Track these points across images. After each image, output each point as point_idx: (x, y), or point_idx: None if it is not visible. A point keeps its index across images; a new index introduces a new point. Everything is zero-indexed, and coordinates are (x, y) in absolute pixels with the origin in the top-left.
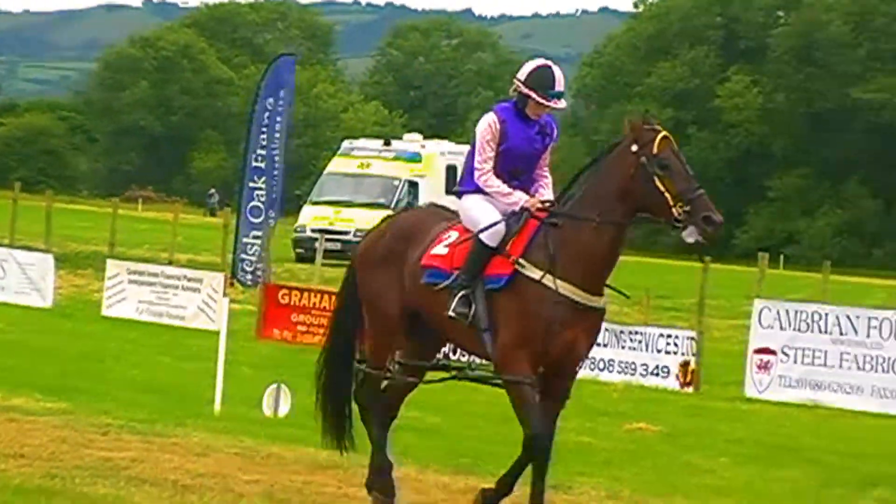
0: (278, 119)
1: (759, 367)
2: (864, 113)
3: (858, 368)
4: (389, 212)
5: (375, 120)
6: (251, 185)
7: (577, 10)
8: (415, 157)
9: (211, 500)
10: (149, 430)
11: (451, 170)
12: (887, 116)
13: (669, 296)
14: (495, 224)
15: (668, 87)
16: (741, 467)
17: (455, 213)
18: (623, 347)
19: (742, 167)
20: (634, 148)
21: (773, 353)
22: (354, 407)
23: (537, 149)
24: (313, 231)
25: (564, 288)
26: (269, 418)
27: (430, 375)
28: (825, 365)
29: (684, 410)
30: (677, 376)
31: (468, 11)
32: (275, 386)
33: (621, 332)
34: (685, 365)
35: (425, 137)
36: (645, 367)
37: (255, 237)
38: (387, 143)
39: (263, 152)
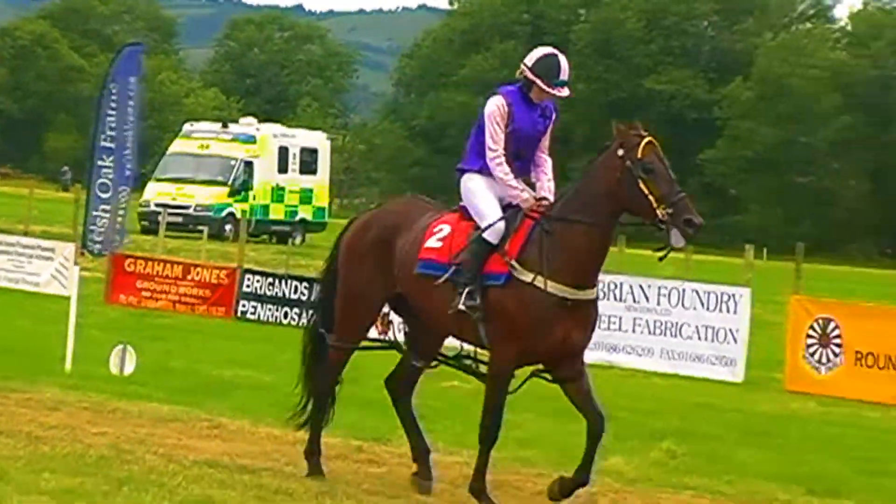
0: (130, 103)
1: None
2: (656, 102)
3: (650, 333)
4: (226, 188)
5: (214, 105)
6: (100, 163)
7: (398, 7)
8: (250, 139)
9: (62, 450)
10: (4, 387)
11: (282, 150)
12: (677, 105)
13: None
14: (496, 222)
15: (480, 77)
16: (544, 421)
17: (434, 203)
18: None
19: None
20: (621, 152)
21: None
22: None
23: (539, 131)
24: (157, 205)
25: (554, 287)
26: (116, 376)
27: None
28: (620, 329)
29: None
30: None
31: (299, 7)
32: (121, 347)
33: None
34: None
35: (260, 121)
36: None
37: (104, 210)
38: (224, 126)
39: (113, 133)
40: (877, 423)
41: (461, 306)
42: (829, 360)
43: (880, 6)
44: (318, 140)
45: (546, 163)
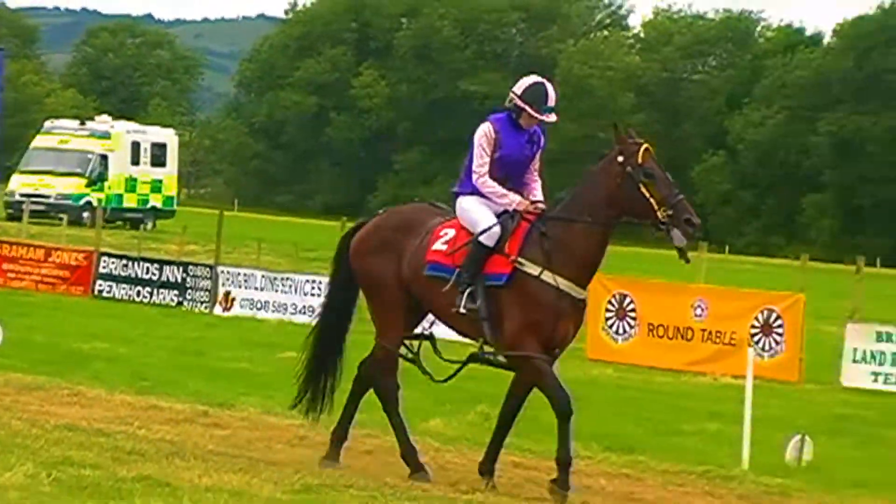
0: None
1: None
2: (471, 101)
3: None
4: (84, 179)
5: (73, 104)
6: None
7: (238, 16)
8: (105, 135)
9: None
10: None
11: (135, 145)
12: (489, 104)
13: (315, 248)
14: (492, 227)
15: (313, 79)
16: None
17: (445, 209)
18: (277, 291)
19: (374, 145)
20: (620, 159)
21: None
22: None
23: (528, 156)
24: (21, 195)
25: (561, 283)
26: None
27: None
28: None
29: None
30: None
31: (149, 16)
32: None
33: (275, 278)
34: None
35: (114, 119)
36: (294, 306)
37: None
38: (82, 123)
39: None
40: (667, 387)
41: (462, 309)
42: (625, 331)
43: (669, 16)
44: (168, 136)
45: (536, 183)
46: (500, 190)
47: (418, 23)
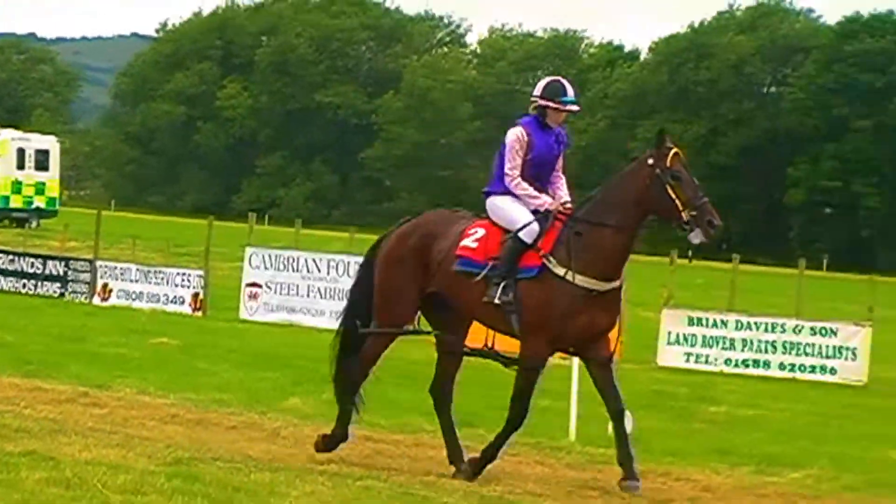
0: None
1: (250, 297)
2: (325, 111)
3: (321, 297)
4: None
5: None
6: None
7: (114, 34)
8: None
9: None
10: None
11: (20, 151)
12: (342, 114)
13: (185, 245)
14: (530, 223)
15: (182, 91)
16: (237, 370)
17: (466, 213)
18: (150, 283)
19: (237, 150)
20: (651, 162)
21: (259, 286)
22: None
23: (555, 155)
24: None
25: (582, 280)
26: None
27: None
28: (297, 295)
29: (195, 329)
30: (190, 304)
31: (32, 34)
32: None
33: (149, 271)
34: (196, 295)
35: (1, 127)
36: (167, 296)
37: None
38: None
39: None
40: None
41: (496, 300)
42: None
43: (503, 34)
44: (50, 143)
45: (561, 180)
46: (533, 192)
47: (277, 40)
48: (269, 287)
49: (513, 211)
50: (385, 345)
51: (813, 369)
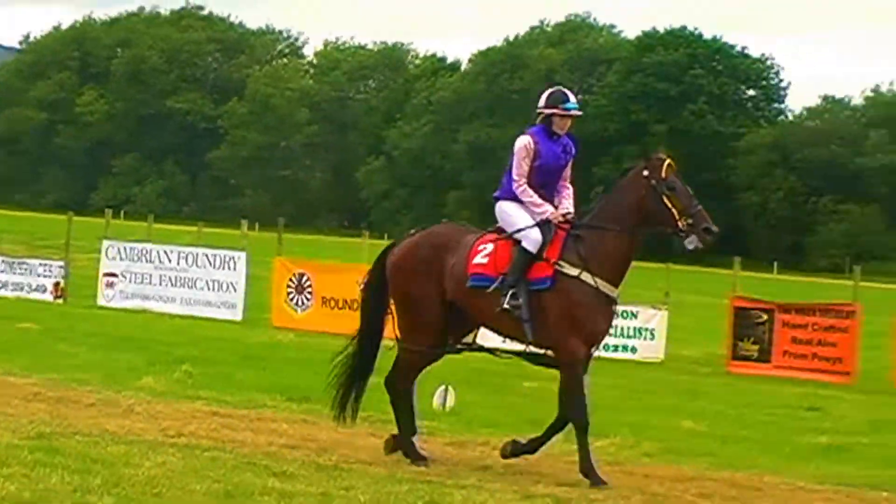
0: None
1: (107, 286)
2: (175, 116)
3: (172, 286)
4: None
5: None
6: None
7: None
8: None
9: None
10: None
11: None
12: (191, 119)
13: (47, 238)
14: (532, 228)
15: (44, 98)
16: (95, 352)
17: (473, 228)
18: (15, 273)
19: (95, 152)
20: (646, 173)
21: (116, 276)
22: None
23: (562, 164)
24: None
25: (594, 280)
26: None
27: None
28: (150, 284)
29: (57, 315)
30: (52, 292)
31: None
32: None
33: (13, 262)
34: (57, 284)
35: None
36: (30, 285)
37: None
38: None
39: None
40: (338, 348)
41: (506, 305)
42: (303, 303)
43: (336, 46)
44: None
45: (568, 189)
46: (538, 200)
47: (131, 52)
48: (124, 276)
49: (516, 216)
50: (420, 354)
51: (616, 348)
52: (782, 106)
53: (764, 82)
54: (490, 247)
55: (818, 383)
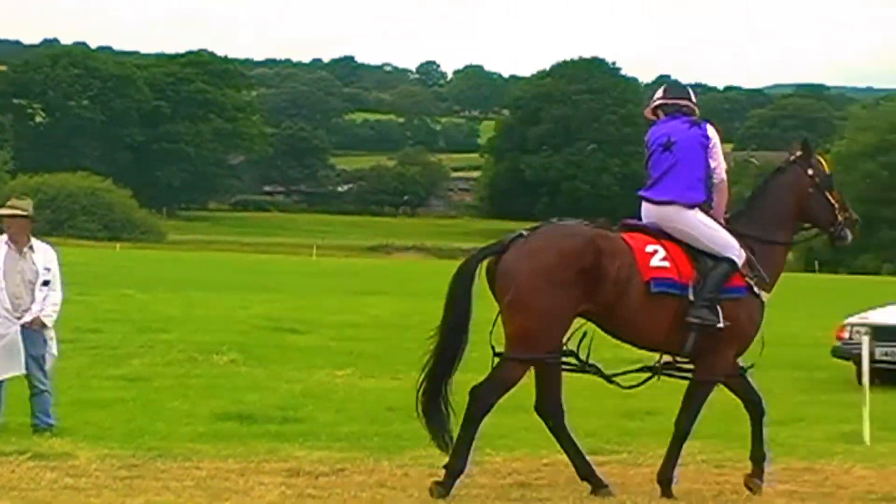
0: None
1: None
2: None
3: None
4: None
5: None
6: None
7: None
8: None
9: None
10: None
11: None
12: None
13: None
14: (737, 247)
15: None
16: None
17: (607, 226)
18: None
19: None
20: (810, 171)
21: None
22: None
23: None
24: None
25: (765, 297)
26: None
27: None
28: None
29: None
30: None
31: None
32: None
33: None
34: None
35: None
36: None
37: None
38: None
39: None
40: None
41: (704, 321)
42: None
43: None
44: None
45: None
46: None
47: None
48: None
49: (722, 233)
50: (526, 370)
51: None
52: None
53: None
54: (662, 250)
55: None
